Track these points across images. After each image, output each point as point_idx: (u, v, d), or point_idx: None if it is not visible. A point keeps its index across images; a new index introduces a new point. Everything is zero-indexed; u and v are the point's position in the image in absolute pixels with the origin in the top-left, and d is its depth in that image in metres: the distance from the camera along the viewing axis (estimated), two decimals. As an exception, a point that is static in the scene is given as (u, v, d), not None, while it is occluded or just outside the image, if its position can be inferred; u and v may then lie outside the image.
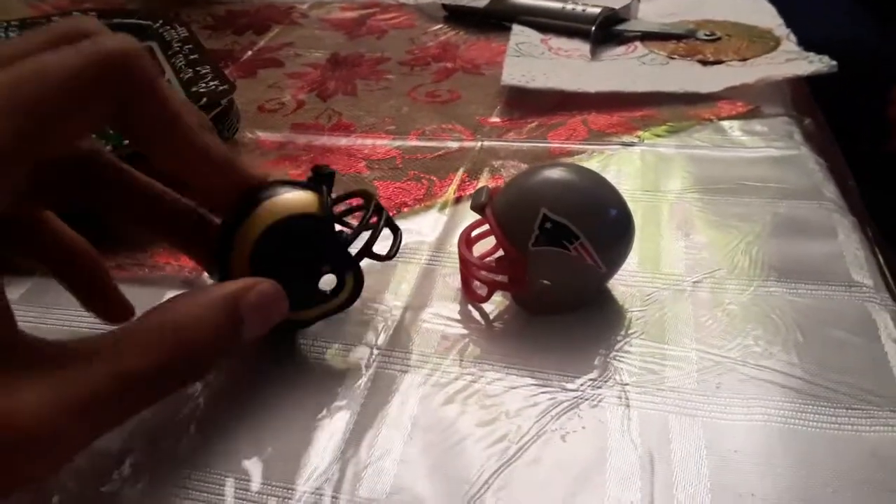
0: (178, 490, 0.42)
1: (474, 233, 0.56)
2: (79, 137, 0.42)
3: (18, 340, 0.36)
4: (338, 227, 0.50)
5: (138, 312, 0.54)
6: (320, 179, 0.50)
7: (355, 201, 0.54)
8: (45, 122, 0.34)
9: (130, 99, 0.38)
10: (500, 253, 0.54)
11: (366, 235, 0.49)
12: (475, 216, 0.54)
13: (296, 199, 0.48)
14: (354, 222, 0.51)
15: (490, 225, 0.52)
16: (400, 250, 0.52)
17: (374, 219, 0.50)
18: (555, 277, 0.51)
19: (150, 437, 0.45)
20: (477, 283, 0.54)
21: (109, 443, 0.44)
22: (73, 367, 0.35)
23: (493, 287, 0.53)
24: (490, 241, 0.55)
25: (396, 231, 0.53)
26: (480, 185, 0.68)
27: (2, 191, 0.34)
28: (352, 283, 0.49)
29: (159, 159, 0.43)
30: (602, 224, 0.50)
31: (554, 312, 0.52)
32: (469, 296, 0.54)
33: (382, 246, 0.50)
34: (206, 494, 0.41)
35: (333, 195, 0.50)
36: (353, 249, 0.49)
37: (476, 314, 0.54)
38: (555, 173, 0.51)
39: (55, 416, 0.33)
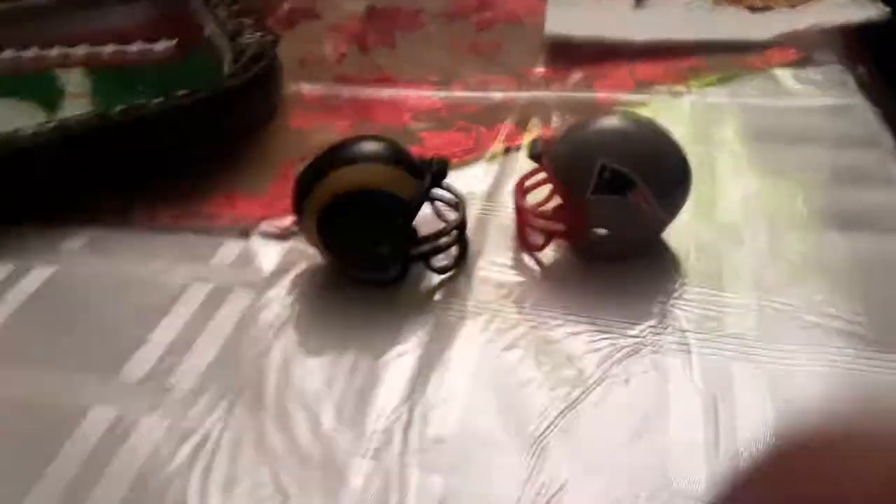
0: (256, 423, 0.43)
1: (528, 182, 0.56)
2: None
3: None
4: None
5: (192, 261, 0.56)
6: (429, 167, 0.50)
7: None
8: None
9: None
10: (556, 202, 0.54)
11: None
12: (526, 167, 0.54)
13: (386, 175, 0.48)
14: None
15: (547, 174, 0.52)
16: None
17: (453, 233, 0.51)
18: (613, 225, 0.51)
19: (233, 374, 0.46)
20: (532, 231, 0.54)
21: (187, 382, 0.46)
22: None
23: (550, 235, 0.53)
24: (544, 191, 0.55)
25: (464, 254, 0.53)
26: (530, 135, 0.68)
27: None
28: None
29: None
30: (661, 171, 0.50)
31: (611, 260, 0.52)
32: (525, 245, 0.55)
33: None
34: (281, 433, 0.42)
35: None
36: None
37: (531, 262, 0.54)
38: (612, 122, 0.52)
39: None
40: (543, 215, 0.54)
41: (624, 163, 0.48)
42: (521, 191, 0.55)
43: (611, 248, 0.52)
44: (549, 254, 0.54)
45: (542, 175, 0.54)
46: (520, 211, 0.54)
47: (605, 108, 0.71)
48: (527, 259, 0.54)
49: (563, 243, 0.54)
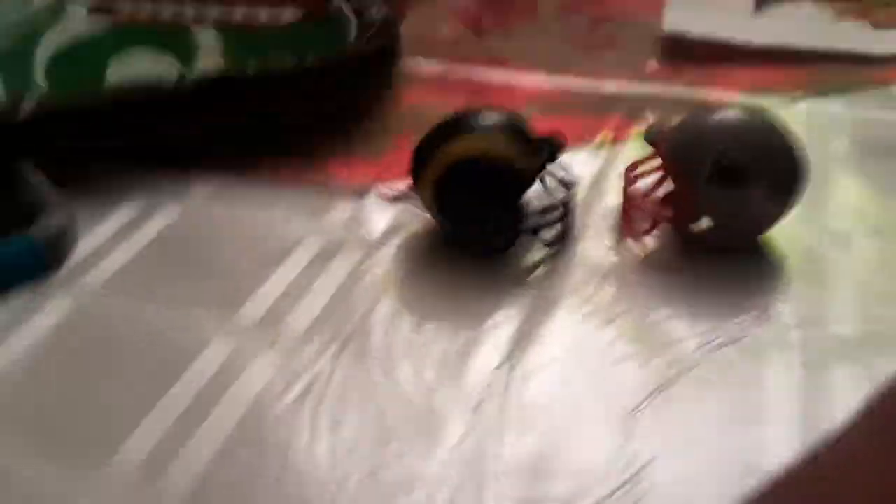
0: (363, 369, 0.45)
1: (638, 169, 0.57)
2: None
3: None
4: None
5: (309, 216, 0.59)
6: (546, 144, 0.52)
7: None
8: None
9: None
10: (665, 190, 0.54)
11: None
12: (632, 156, 0.55)
13: (505, 145, 0.50)
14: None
15: (662, 159, 0.53)
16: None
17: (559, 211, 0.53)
18: (723, 216, 0.51)
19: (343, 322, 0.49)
20: (639, 216, 0.55)
21: (300, 325, 0.49)
22: None
23: (658, 220, 0.54)
24: (652, 179, 0.56)
25: (569, 232, 0.54)
26: (639, 127, 0.68)
27: None
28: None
29: None
30: (777, 167, 0.50)
31: (716, 251, 0.53)
32: (629, 230, 0.56)
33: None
34: (387, 379, 0.45)
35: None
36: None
37: (634, 246, 0.55)
38: (732, 115, 0.52)
39: None
40: (652, 201, 0.55)
41: (741, 155, 0.49)
42: (631, 176, 0.56)
43: (717, 239, 0.53)
44: (652, 241, 0.55)
45: (652, 163, 0.54)
46: (627, 195, 0.55)
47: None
48: (630, 243, 0.55)
49: (668, 231, 0.55)
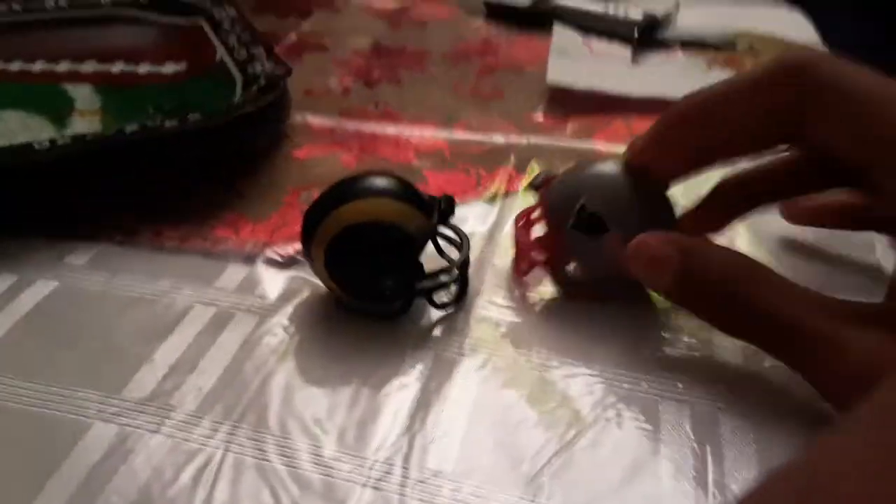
0: (256, 452, 0.44)
1: (531, 216, 0.58)
2: None
3: None
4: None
5: (197, 283, 0.57)
6: (437, 204, 0.52)
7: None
8: None
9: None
10: (539, 234, 0.57)
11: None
12: (524, 207, 0.58)
13: (396, 209, 0.50)
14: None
15: (541, 207, 0.55)
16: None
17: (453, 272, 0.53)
18: (586, 261, 0.55)
19: (236, 397, 0.47)
20: (523, 261, 0.57)
21: (190, 404, 0.47)
22: None
23: (533, 263, 0.57)
24: (541, 229, 0.58)
25: (464, 292, 0.55)
26: (529, 178, 0.70)
27: None
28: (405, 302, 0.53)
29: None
30: (635, 220, 0.52)
31: (591, 298, 0.55)
32: (515, 272, 0.58)
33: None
34: (283, 458, 0.43)
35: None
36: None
37: (529, 301, 0.56)
38: (604, 167, 0.54)
39: None
40: (532, 244, 0.57)
41: (601, 206, 0.51)
42: (523, 224, 0.57)
43: (587, 285, 0.56)
44: (545, 295, 0.56)
45: (538, 212, 0.57)
46: (517, 241, 0.57)
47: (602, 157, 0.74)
48: (524, 298, 0.56)
49: (552, 284, 0.57)
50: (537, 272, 0.57)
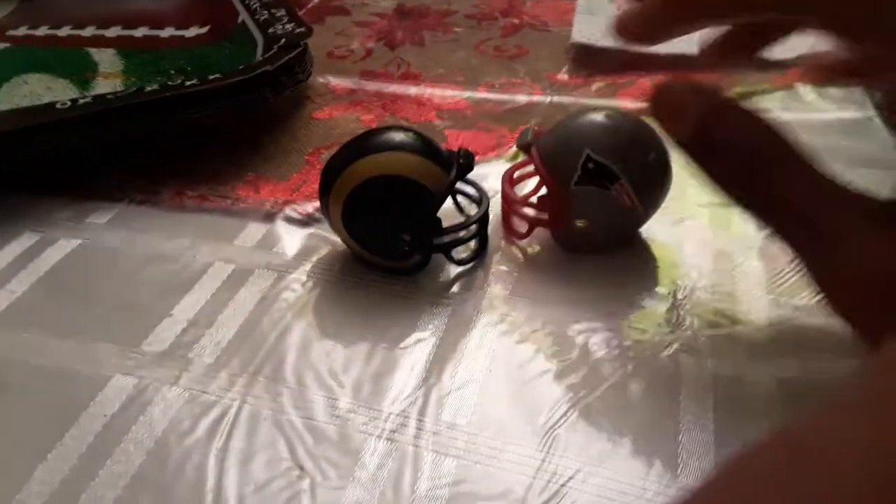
0: (272, 404, 0.44)
1: (517, 173, 0.57)
2: None
3: None
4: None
5: (216, 241, 0.57)
6: (456, 160, 0.51)
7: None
8: None
9: None
10: (543, 192, 0.55)
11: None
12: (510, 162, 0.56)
13: (415, 163, 0.49)
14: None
15: (535, 163, 0.53)
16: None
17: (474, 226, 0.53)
18: (594, 216, 0.52)
19: (253, 351, 0.47)
20: (517, 220, 0.55)
21: (208, 357, 0.47)
22: None
23: (533, 224, 0.54)
24: (533, 183, 0.56)
25: (483, 248, 0.54)
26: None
27: None
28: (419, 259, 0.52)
29: None
30: (642, 167, 0.51)
31: (591, 251, 0.54)
32: (509, 233, 0.56)
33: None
34: (299, 410, 0.43)
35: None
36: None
37: (516, 252, 0.55)
38: (599, 117, 0.52)
39: None
40: (530, 204, 0.55)
41: (607, 155, 0.49)
42: (510, 181, 0.56)
43: (593, 239, 0.54)
44: (551, 252, 0.55)
45: (530, 167, 0.55)
46: (506, 199, 0.55)
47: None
48: (514, 250, 0.55)
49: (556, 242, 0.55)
50: (539, 232, 0.55)
